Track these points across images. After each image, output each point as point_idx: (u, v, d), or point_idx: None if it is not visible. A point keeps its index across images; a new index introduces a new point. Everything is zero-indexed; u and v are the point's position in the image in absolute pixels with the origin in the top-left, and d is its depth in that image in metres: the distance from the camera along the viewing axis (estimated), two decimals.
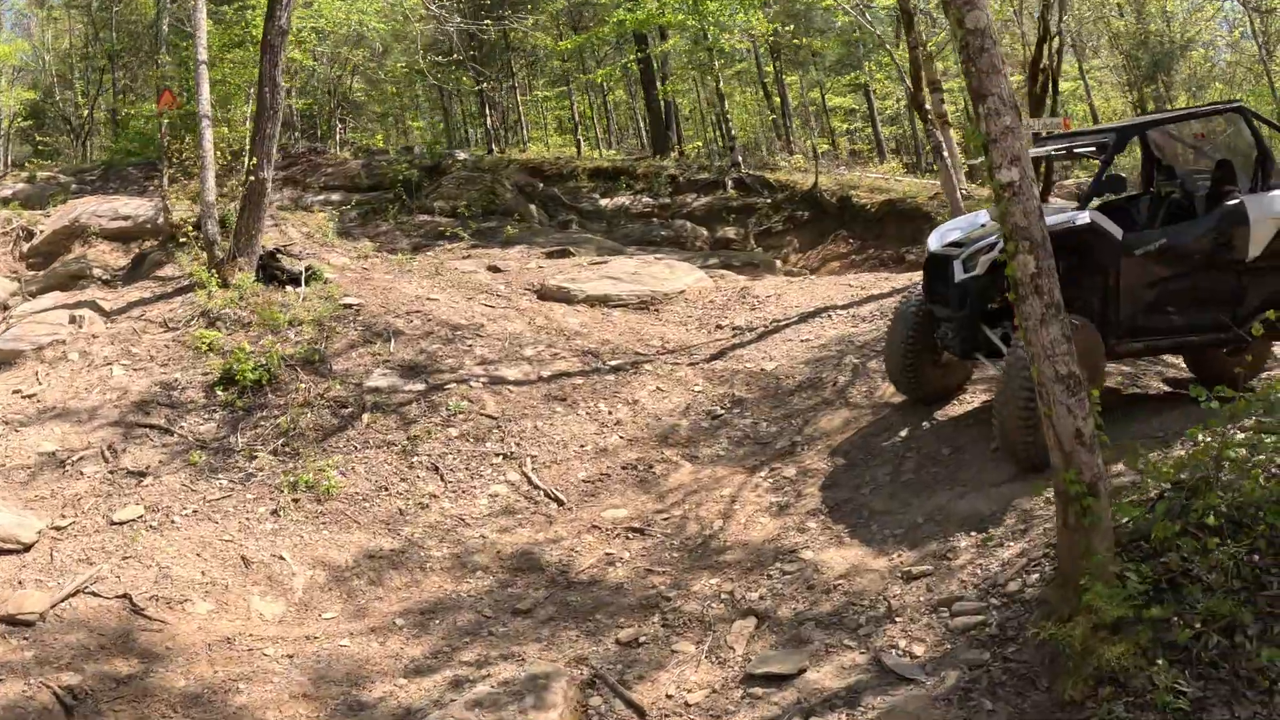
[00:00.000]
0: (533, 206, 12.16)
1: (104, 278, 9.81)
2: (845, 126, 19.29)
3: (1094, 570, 3.46)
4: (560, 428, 6.68)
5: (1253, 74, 15.44)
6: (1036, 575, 4.04)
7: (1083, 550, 3.55)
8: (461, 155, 12.68)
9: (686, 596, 4.77)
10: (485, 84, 15.12)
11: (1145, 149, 6.61)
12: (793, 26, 14.59)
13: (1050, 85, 10.96)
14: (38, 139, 14.90)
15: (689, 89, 16.29)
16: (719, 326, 8.48)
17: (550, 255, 10.41)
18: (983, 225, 5.75)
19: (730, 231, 13.30)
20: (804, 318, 8.34)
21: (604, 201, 13.41)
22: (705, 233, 13.10)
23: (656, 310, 8.90)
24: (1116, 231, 5.28)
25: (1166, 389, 6.43)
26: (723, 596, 4.69)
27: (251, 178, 8.81)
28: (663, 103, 15.32)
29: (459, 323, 8.18)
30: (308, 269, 8.87)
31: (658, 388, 7.18)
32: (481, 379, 7.31)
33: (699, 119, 18.06)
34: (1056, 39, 11.37)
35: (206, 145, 9.06)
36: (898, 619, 4.11)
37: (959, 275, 5.42)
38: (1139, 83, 15.45)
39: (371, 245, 10.53)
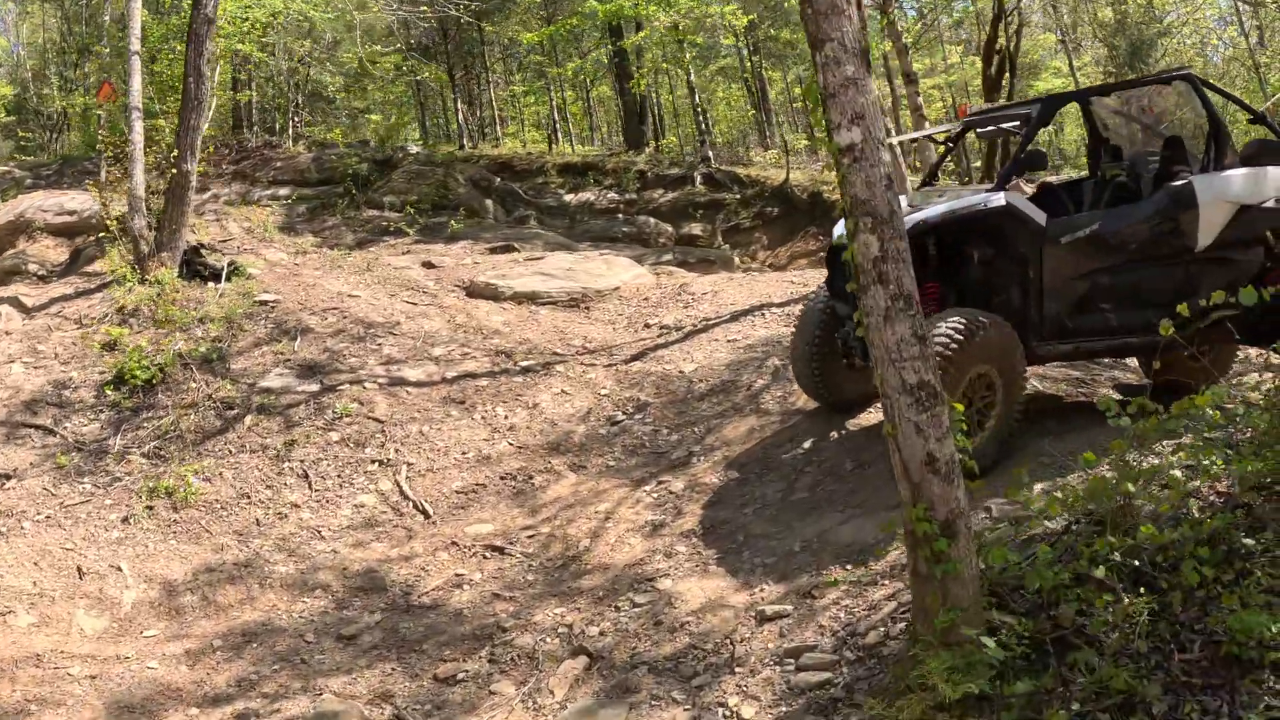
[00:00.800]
0: (489, 202, 11.50)
1: (40, 273, 9.34)
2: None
3: (941, 632, 2.68)
4: (448, 433, 6.00)
5: (1245, 69, 14.15)
6: (903, 624, 3.26)
7: (935, 603, 2.77)
8: (414, 149, 12.08)
9: (525, 628, 4.06)
10: (454, 77, 14.49)
11: (1091, 128, 5.71)
12: (769, 20, 13.75)
13: (1008, 69, 9.96)
14: (20, 134, 14.70)
15: (671, 83, 15.51)
16: (647, 325, 7.73)
17: (493, 251, 9.74)
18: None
19: (696, 228, 12.52)
20: (736, 316, 7.56)
21: (569, 197, 12.71)
22: (670, 229, 12.34)
23: (587, 308, 8.18)
24: (1038, 216, 4.43)
25: (1116, 397, 5.55)
26: (561, 630, 3.96)
27: (174, 171, 8.28)
28: (638, 97, 14.59)
29: (375, 320, 7.55)
30: (230, 264, 8.32)
31: (563, 390, 6.46)
32: (381, 380, 6.66)
33: (681, 114, 17.25)
34: (1015, 19, 10.36)
35: (136, 138, 8.53)
36: (738, 669, 3.36)
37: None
38: (1119, 71, 14.22)
39: (314, 240, 9.96)
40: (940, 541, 2.73)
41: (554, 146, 15.27)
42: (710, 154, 13.45)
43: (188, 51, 8.40)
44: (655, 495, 5.05)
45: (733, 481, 4.99)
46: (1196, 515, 3.00)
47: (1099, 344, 4.62)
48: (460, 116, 14.69)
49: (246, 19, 9.42)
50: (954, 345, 4.03)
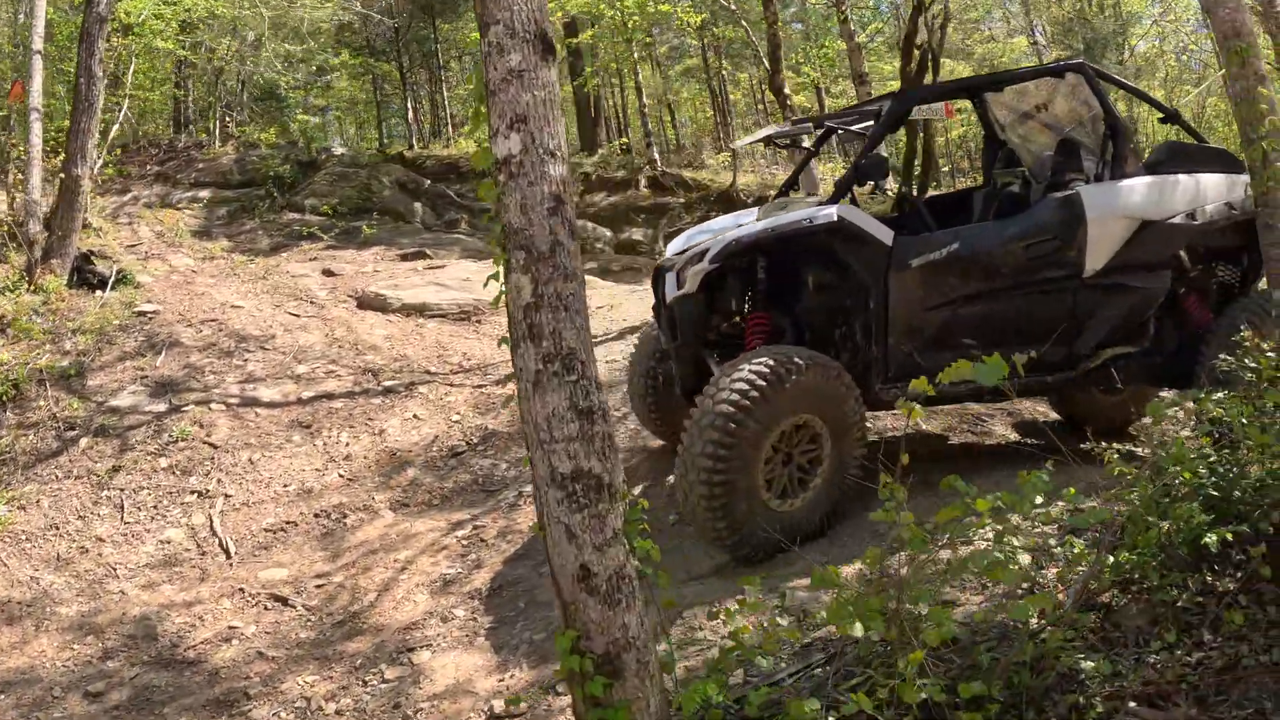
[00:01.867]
0: (418, 205, 11.03)
1: None
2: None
3: None
4: (280, 462, 5.56)
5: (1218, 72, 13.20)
6: None
7: None
8: (338, 150, 11.62)
9: (270, 697, 3.61)
10: (405, 75, 13.99)
11: (987, 129, 5.02)
12: (722, 19, 13.10)
13: (930, 65, 9.19)
14: None
15: (639, 84, 14.90)
16: None
17: (404, 258, 9.28)
18: (742, 225, 4.11)
19: (638, 233, 11.96)
20: (624, 333, 7.05)
21: None
22: (609, 234, 11.80)
23: (478, 321, 7.70)
24: (882, 235, 3.73)
25: (1015, 438, 4.97)
26: (300, 704, 3.51)
27: (63, 175, 7.89)
28: (591, 96, 14.02)
29: (252, 333, 7.12)
30: (119, 273, 7.92)
31: (415, 416, 6.00)
32: (232, 400, 6.23)
33: (637, 115, 16.61)
34: (940, 11, 9.54)
35: (34, 139, 8.14)
36: None
37: (670, 292, 4.00)
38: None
39: (226, 245, 9.54)
40: (595, 683, 2.11)
41: None
42: (657, 156, 12.86)
43: (79, 51, 7.98)
44: (464, 542, 4.57)
45: None
46: (1030, 619, 2.30)
47: (962, 388, 3.84)
48: (410, 116, 14.22)
49: (159, 16, 8.98)
50: (753, 394, 3.39)
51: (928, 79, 9.19)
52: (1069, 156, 4.25)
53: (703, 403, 3.47)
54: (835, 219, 3.68)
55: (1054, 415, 5.33)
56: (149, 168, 10.34)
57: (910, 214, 4.59)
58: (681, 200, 12.32)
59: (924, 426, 5.10)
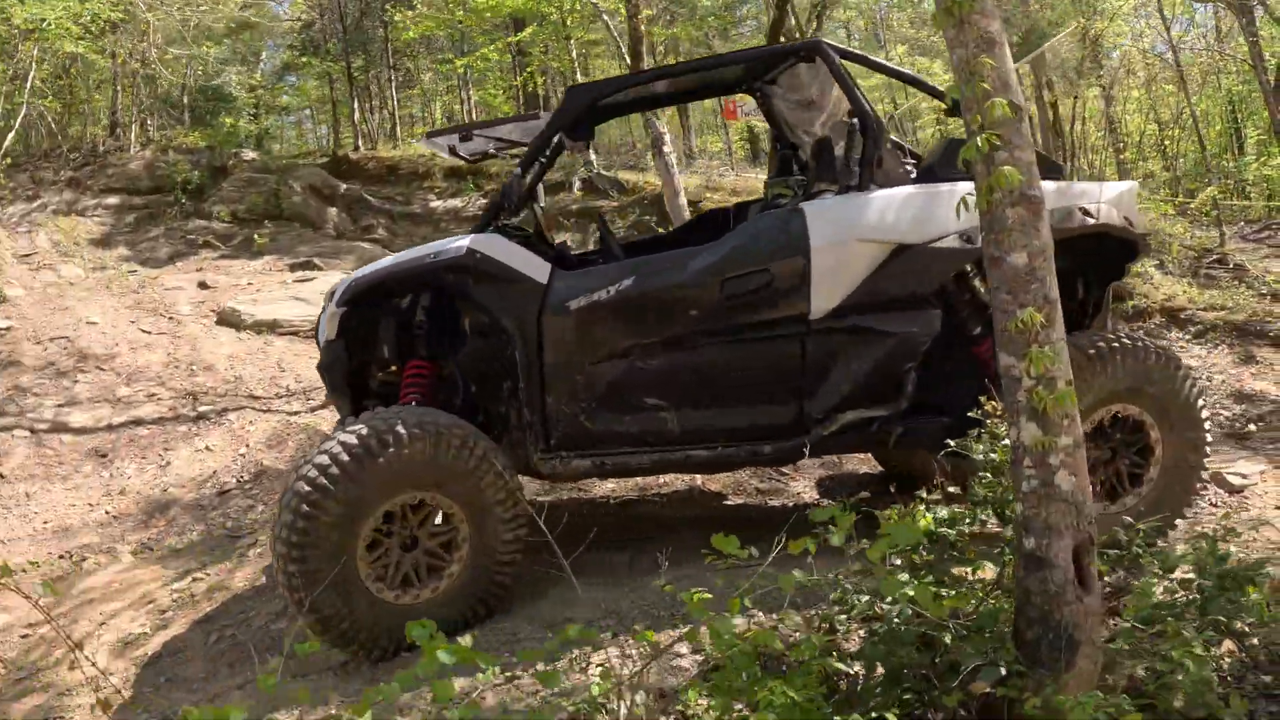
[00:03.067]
0: (332, 210, 10.81)
1: None
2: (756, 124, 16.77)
3: None
4: (58, 495, 5.40)
5: (1203, 72, 11.82)
6: None
7: None
8: (249, 155, 11.45)
9: None
10: (352, 75, 13.77)
11: (775, 129, 4.20)
12: (664, 18, 12.48)
13: None
14: None
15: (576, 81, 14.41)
16: None
17: (294, 269, 9.07)
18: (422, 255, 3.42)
19: (565, 238, 11.53)
20: None
21: (437, 203, 11.88)
22: None
23: None
24: (533, 271, 3.13)
25: (813, 499, 4.42)
26: None
27: None
28: (540, 96, 13.58)
29: (95, 352, 7.00)
30: None
31: (208, 447, 5.77)
32: (42, 425, 6.10)
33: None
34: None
35: None
36: None
37: (321, 337, 3.49)
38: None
39: (124, 254, 9.49)
40: None
41: None
42: (593, 157, 12.38)
43: None
44: (175, 597, 4.31)
45: (253, 591, 4.21)
46: None
47: (645, 459, 3.26)
48: (355, 117, 14.01)
49: (58, 22, 8.91)
50: (335, 471, 2.87)
51: None
52: (821, 162, 3.37)
53: (287, 478, 3.06)
54: (464, 252, 3.14)
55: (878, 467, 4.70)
56: (63, 174, 10.36)
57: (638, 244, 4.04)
58: (614, 204, 11.82)
59: (700, 482, 4.61)
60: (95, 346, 7.08)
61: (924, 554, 2.28)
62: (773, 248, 3.13)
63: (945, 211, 3.08)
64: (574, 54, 12.46)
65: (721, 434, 3.21)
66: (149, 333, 7.47)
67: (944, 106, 3.57)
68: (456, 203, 12.13)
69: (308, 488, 2.90)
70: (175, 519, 5.08)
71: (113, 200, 10.12)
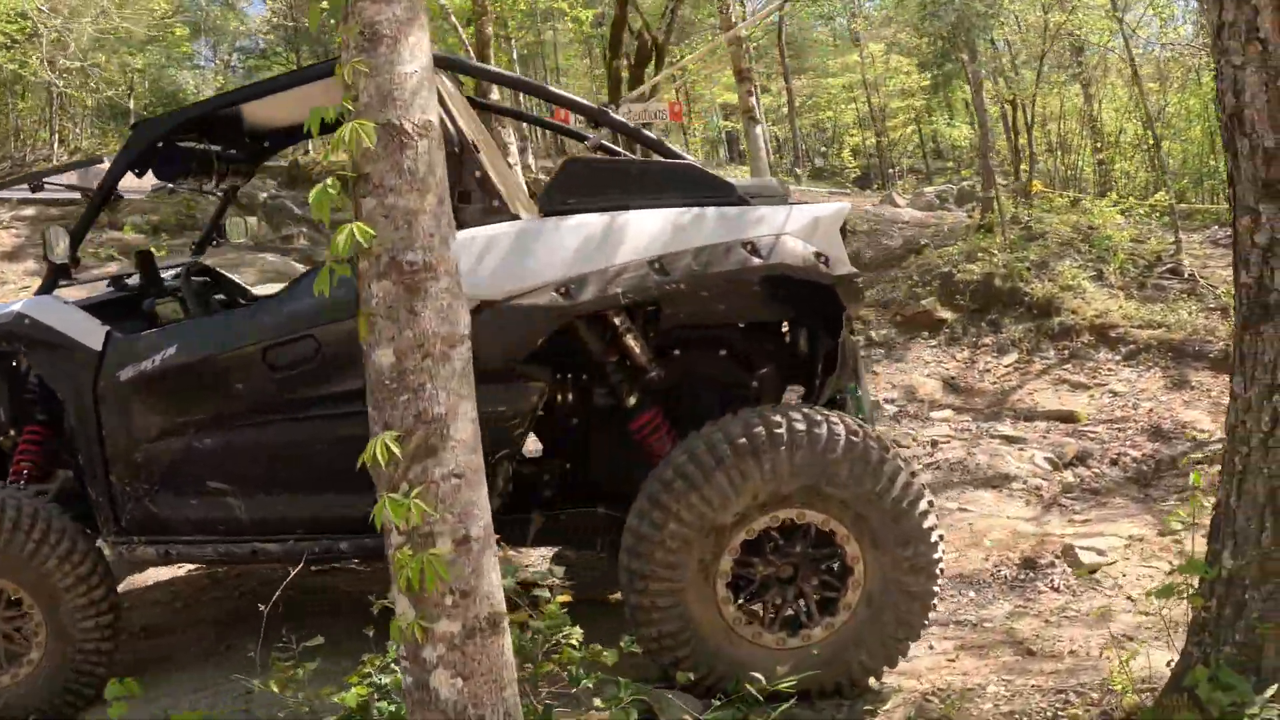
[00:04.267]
0: (252, 220, 10.46)
1: None
2: (734, 125, 15.98)
3: None
4: None
5: (1184, 69, 10.44)
6: None
7: None
8: None
9: None
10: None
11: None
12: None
13: (653, 62, 7.25)
14: None
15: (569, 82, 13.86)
16: None
17: None
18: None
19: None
20: None
21: None
22: None
23: None
24: (87, 338, 2.75)
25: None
26: None
27: None
28: (500, 97, 13.07)
29: None
30: None
31: None
32: None
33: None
34: None
35: None
36: None
37: None
38: (931, 65, 10.49)
39: (30, 269, 9.34)
40: None
41: None
42: (533, 161, 11.88)
43: None
44: None
45: None
46: None
47: (210, 550, 2.84)
48: None
49: None
50: None
51: (648, 76, 7.45)
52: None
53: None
54: (12, 318, 2.80)
55: None
56: None
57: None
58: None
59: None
60: None
61: None
62: (319, 309, 2.57)
63: (540, 258, 2.45)
64: (514, 54, 11.92)
65: (297, 525, 2.74)
66: None
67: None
68: None
69: None
70: None
71: (29, 211, 10.01)
